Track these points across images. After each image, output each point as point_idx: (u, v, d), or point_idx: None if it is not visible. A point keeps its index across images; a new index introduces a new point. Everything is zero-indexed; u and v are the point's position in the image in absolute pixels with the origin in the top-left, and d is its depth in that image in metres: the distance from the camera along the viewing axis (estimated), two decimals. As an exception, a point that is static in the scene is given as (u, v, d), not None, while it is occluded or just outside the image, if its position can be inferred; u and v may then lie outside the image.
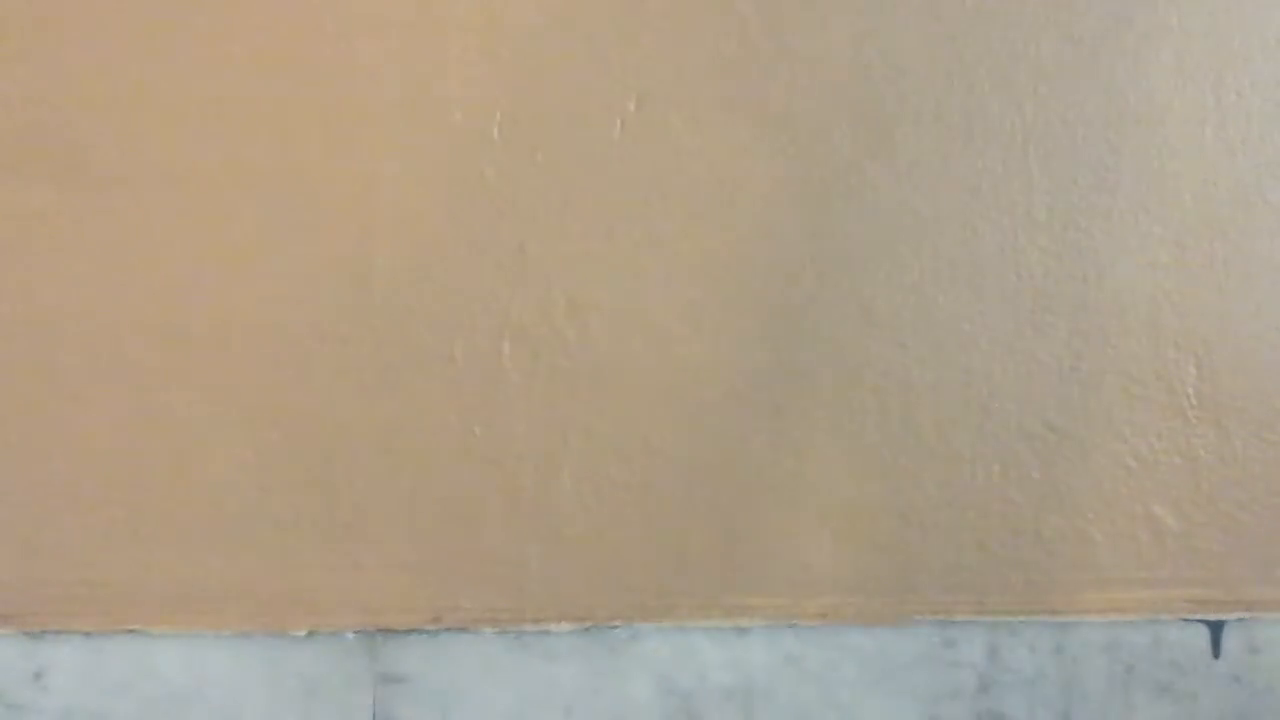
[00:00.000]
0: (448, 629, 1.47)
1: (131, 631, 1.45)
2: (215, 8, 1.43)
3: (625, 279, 1.47)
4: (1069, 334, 1.50)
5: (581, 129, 1.46)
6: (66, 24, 1.43)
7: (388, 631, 1.46)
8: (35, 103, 1.42)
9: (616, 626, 1.48)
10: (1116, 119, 1.50)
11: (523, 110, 1.46)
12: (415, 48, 1.45)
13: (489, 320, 1.46)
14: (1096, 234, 1.50)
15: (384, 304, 1.45)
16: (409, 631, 1.47)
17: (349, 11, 1.44)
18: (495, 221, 1.46)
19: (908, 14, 1.48)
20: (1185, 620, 1.51)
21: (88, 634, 1.44)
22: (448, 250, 1.46)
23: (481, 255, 1.46)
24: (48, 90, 1.42)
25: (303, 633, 1.46)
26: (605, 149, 1.46)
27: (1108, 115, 1.50)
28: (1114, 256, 1.50)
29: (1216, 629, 1.51)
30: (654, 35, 1.46)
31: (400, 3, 1.45)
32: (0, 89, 1.42)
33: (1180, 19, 1.50)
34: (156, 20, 1.43)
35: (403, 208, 1.45)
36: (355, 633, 1.46)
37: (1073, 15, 1.49)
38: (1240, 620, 1.51)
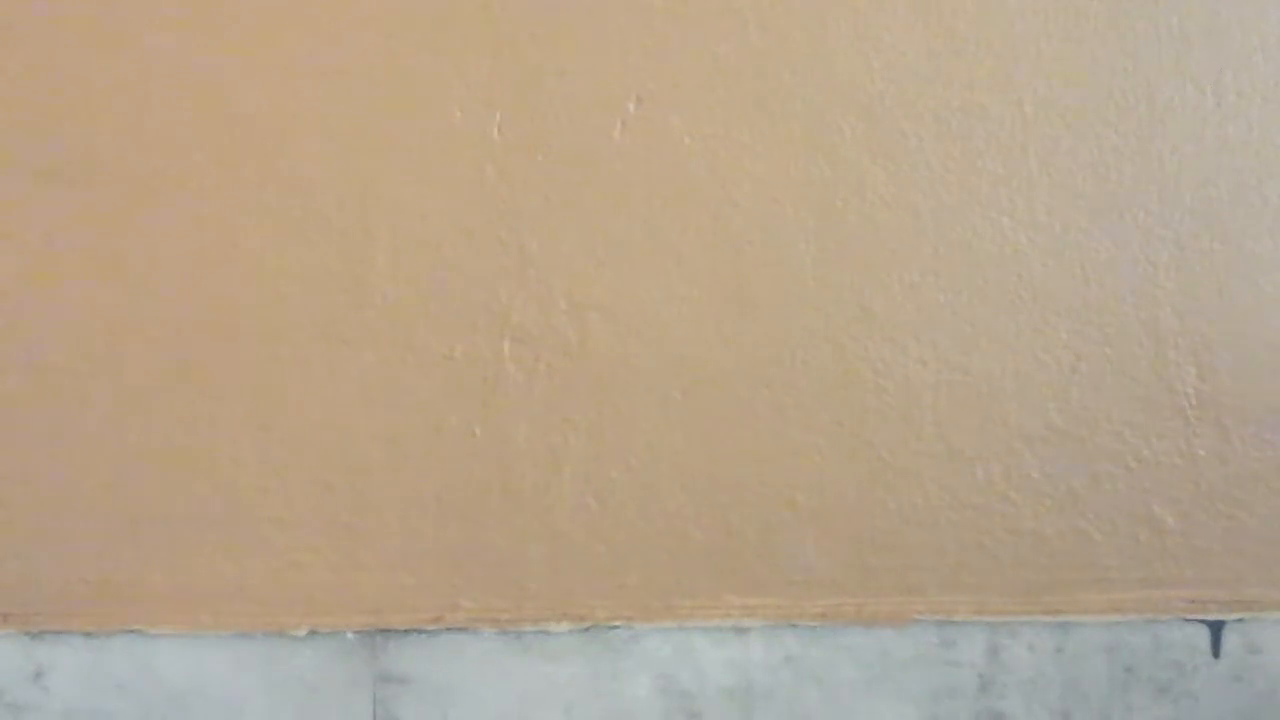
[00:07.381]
0: (448, 629, 1.47)
1: (131, 631, 1.45)
2: (216, 9, 1.44)
3: (625, 279, 1.47)
4: (1069, 334, 1.50)
5: (581, 129, 1.46)
6: (68, 26, 1.43)
7: (388, 631, 1.46)
8: (36, 103, 1.43)
9: (616, 626, 1.48)
10: (1116, 119, 1.50)
11: (523, 110, 1.46)
12: (415, 48, 1.45)
13: (489, 320, 1.46)
14: (1096, 234, 1.50)
15: (384, 304, 1.45)
16: (409, 631, 1.47)
17: (349, 12, 1.44)
18: (495, 221, 1.46)
19: (908, 14, 1.48)
20: (1185, 620, 1.51)
21: (88, 634, 1.44)
22: (448, 250, 1.46)
23: (481, 255, 1.46)
24: (49, 91, 1.43)
25: (303, 633, 1.46)
26: (605, 149, 1.47)
27: (1108, 115, 1.50)
28: (1114, 256, 1.50)
29: (1216, 629, 1.51)
30: (654, 35, 1.46)
31: (400, 3, 1.45)
32: (2, 90, 1.43)
33: (1180, 19, 1.50)
34: (157, 22, 1.43)
35: (403, 208, 1.45)
36: (355, 633, 1.46)
37: (1073, 15, 1.49)
38: (1240, 620, 1.51)
